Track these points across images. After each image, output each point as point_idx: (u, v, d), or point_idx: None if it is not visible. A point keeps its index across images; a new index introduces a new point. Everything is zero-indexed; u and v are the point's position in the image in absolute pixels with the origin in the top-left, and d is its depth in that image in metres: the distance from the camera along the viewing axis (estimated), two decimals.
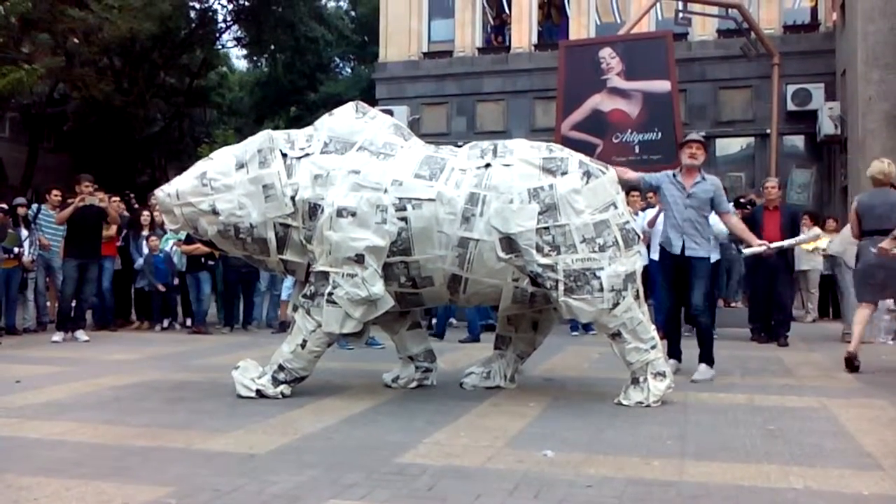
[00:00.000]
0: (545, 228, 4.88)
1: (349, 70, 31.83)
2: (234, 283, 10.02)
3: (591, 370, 6.68)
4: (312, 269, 5.15)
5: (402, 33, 19.50)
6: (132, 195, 11.59)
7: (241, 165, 5.34)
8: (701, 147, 6.16)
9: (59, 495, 3.14)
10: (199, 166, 5.54)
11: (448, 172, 5.10)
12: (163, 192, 5.57)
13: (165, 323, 10.35)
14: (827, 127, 15.69)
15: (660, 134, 10.25)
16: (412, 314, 5.75)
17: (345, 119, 5.47)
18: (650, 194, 8.91)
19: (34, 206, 10.12)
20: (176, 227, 5.79)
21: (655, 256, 8.64)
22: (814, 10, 17.95)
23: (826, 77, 16.56)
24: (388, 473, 3.45)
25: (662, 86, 10.32)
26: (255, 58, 29.39)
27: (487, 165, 5.11)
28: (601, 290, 4.86)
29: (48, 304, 10.08)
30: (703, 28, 17.42)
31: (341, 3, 30.81)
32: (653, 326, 5.13)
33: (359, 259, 4.96)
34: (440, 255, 5.01)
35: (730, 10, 14.24)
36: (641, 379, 5.01)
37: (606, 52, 10.70)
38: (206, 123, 30.16)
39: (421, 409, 4.87)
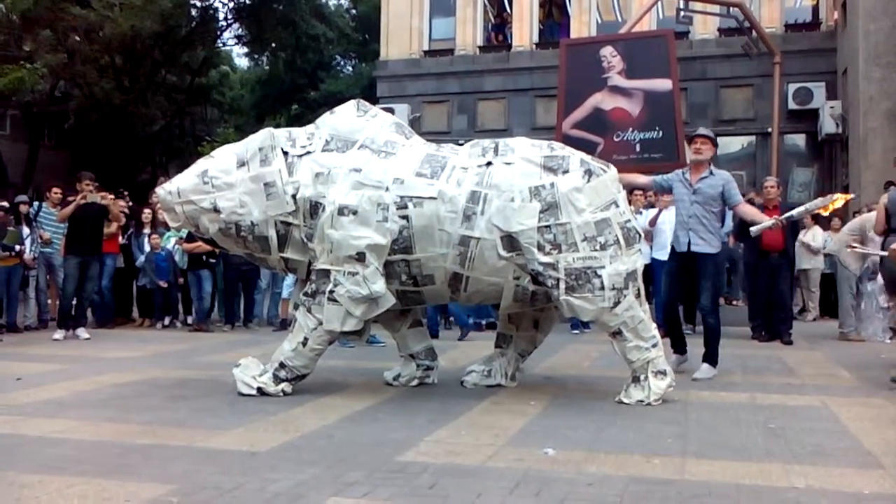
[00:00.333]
0: (546, 227, 4.88)
1: (350, 68, 31.84)
2: (234, 280, 10.01)
3: (591, 368, 6.68)
4: (313, 268, 5.15)
5: (404, 31, 19.48)
6: (126, 192, 11.54)
7: (242, 163, 5.34)
8: (707, 142, 6.13)
9: (61, 493, 3.15)
10: (200, 164, 5.54)
11: (449, 171, 5.10)
12: (164, 190, 5.57)
13: (167, 320, 10.34)
14: (828, 126, 15.69)
15: (661, 132, 10.24)
16: (413, 312, 5.75)
17: (346, 117, 5.46)
18: (653, 194, 8.92)
19: (35, 203, 10.11)
20: (177, 225, 5.78)
21: (657, 255, 8.67)
22: (815, 9, 17.95)
23: (827, 76, 16.55)
24: (389, 471, 3.45)
25: (663, 84, 10.30)
26: (255, 56, 29.47)
27: (489, 164, 5.10)
28: (602, 288, 4.86)
29: (49, 301, 10.07)
30: (705, 27, 17.40)
31: (342, 1, 30.90)
32: (654, 325, 5.13)
33: (360, 257, 4.96)
34: (441, 254, 5.01)
35: (731, 9, 14.21)
36: (642, 377, 5.01)
37: (607, 51, 10.68)
38: (207, 122, 30.22)
39: (422, 408, 4.88)
